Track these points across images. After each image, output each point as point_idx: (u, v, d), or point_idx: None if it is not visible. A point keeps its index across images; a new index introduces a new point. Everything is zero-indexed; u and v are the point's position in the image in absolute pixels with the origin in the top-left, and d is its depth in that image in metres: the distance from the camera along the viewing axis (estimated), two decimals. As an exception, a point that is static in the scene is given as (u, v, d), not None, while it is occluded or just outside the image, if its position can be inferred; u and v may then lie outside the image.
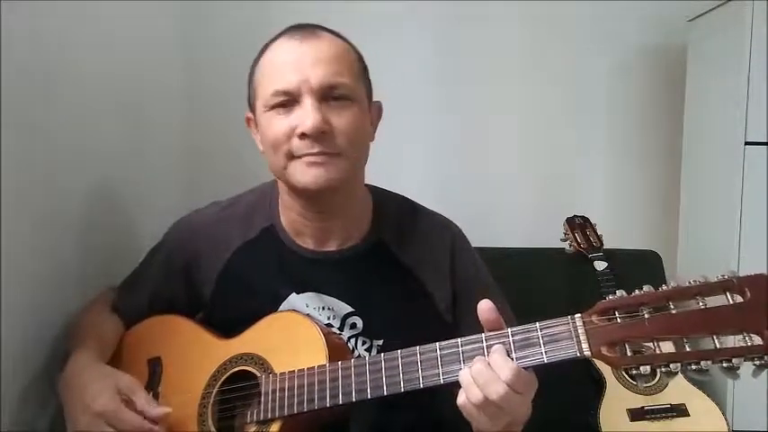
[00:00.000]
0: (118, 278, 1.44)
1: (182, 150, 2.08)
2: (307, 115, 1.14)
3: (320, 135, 1.15)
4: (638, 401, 1.83)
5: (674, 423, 1.80)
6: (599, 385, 1.86)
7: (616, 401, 1.83)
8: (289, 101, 1.16)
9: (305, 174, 1.17)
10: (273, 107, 1.17)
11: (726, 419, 1.81)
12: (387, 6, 2.24)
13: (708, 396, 1.85)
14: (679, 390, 1.85)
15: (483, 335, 1.02)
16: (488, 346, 1.00)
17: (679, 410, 1.82)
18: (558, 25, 2.33)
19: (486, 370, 0.97)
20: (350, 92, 1.19)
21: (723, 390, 1.93)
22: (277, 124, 1.17)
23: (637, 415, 1.81)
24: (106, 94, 1.55)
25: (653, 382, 1.86)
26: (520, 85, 2.35)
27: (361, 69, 1.24)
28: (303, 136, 1.14)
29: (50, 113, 1.32)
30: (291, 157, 1.17)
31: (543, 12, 2.31)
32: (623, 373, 1.87)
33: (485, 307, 1.02)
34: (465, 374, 0.99)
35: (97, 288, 1.44)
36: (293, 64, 1.15)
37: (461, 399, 0.99)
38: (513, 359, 0.98)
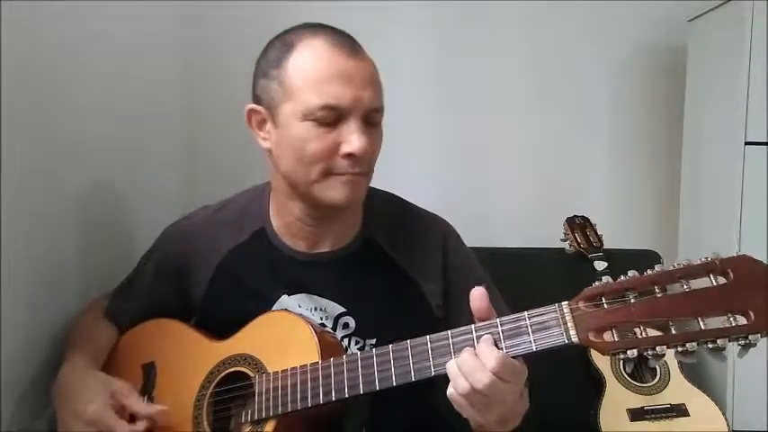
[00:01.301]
0: (117, 278, 1.44)
1: (181, 150, 2.09)
2: (356, 137, 1.13)
3: (363, 156, 1.15)
4: (638, 401, 1.84)
5: (674, 423, 1.80)
6: (599, 385, 1.86)
7: (616, 401, 1.83)
8: (335, 116, 1.14)
9: (339, 191, 1.17)
10: (316, 119, 1.14)
11: (726, 419, 1.81)
12: (387, 6, 2.24)
13: (708, 396, 1.85)
14: (679, 390, 1.85)
15: (473, 326, 1.02)
16: (478, 337, 1.00)
17: (679, 410, 1.82)
18: (558, 25, 2.33)
19: (471, 359, 0.97)
20: (383, 113, 1.20)
21: (723, 390, 1.92)
22: (319, 138, 1.14)
23: (637, 415, 1.81)
24: (105, 94, 1.55)
25: (653, 382, 1.86)
26: (520, 85, 2.34)
27: None
28: (349, 156, 1.14)
29: (49, 113, 1.33)
30: (328, 173, 1.16)
31: (543, 12, 2.31)
32: (623, 372, 1.87)
33: (476, 294, 1.01)
34: (452, 365, 0.99)
35: (96, 288, 1.45)
36: (345, 80, 1.13)
37: (450, 390, 0.99)
38: (502, 348, 0.97)
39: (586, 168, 2.41)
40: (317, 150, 1.14)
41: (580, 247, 2.07)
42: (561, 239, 2.14)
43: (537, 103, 2.36)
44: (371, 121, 1.17)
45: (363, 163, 1.17)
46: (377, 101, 1.17)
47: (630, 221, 2.41)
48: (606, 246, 2.06)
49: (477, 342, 0.99)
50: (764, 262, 0.88)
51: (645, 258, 2.11)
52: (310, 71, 1.14)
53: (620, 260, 2.03)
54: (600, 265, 2.00)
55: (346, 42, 1.16)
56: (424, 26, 2.31)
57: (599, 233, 2.10)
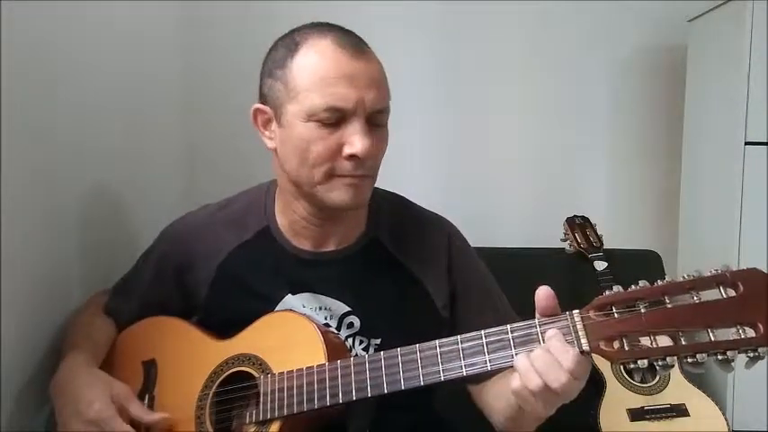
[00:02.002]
0: (116, 279, 1.44)
1: (181, 150, 2.09)
2: (359, 138, 1.12)
3: (366, 158, 1.14)
4: (638, 401, 1.84)
5: (674, 423, 1.80)
6: (599, 385, 1.86)
7: (616, 401, 1.83)
8: (339, 118, 1.13)
9: (343, 193, 1.16)
10: (319, 120, 1.13)
11: (726, 419, 1.81)
12: (387, 6, 2.25)
13: (708, 396, 1.85)
14: (679, 390, 1.85)
15: (482, 332, 1.02)
16: (488, 343, 1.00)
17: (679, 410, 1.82)
18: (558, 25, 2.33)
19: (546, 356, 0.94)
20: (388, 114, 1.19)
21: (723, 390, 1.93)
22: (322, 140, 1.13)
23: (637, 415, 1.81)
24: (106, 94, 1.55)
25: (653, 383, 1.86)
26: (520, 85, 2.36)
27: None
28: (352, 157, 1.13)
29: (51, 114, 1.32)
30: (331, 175, 1.16)
31: (543, 12, 2.32)
32: (623, 372, 1.87)
33: (542, 294, 0.99)
34: (522, 361, 0.96)
35: (96, 288, 1.44)
36: (349, 81, 1.11)
37: (516, 384, 0.96)
38: (572, 344, 0.95)
39: (586, 168, 2.41)
40: (321, 151, 1.14)
41: (580, 247, 2.07)
42: (561, 239, 2.15)
43: (537, 103, 2.37)
44: (376, 122, 1.16)
45: (367, 165, 1.16)
46: (381, 102, 1.15)
47: (630, 221, 2.42)
48: (606, 246, 2.07)
49: (544, 337, 0.97)
50: (765, 262, 0.88)
51: (645, 258, 2.13)
52: (314, 72, 1.12)
53: (620, 260, 2.04)
54: (600, 265, 2.01)
55: (352, 42, 1.15)
56: (424, 26, 2.31)
57: (599, 233, 2.11)
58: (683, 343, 0.87)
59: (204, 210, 1.39)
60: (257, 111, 1.22)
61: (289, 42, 1.17)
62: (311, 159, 1.15)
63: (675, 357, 0.87)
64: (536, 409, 0.98)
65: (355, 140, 1.12)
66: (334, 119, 1.12)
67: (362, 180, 1.17)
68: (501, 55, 2.34)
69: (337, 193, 1.17)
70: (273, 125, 1.20)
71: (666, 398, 1.84)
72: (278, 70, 1.16)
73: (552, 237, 2.17)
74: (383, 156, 1.22)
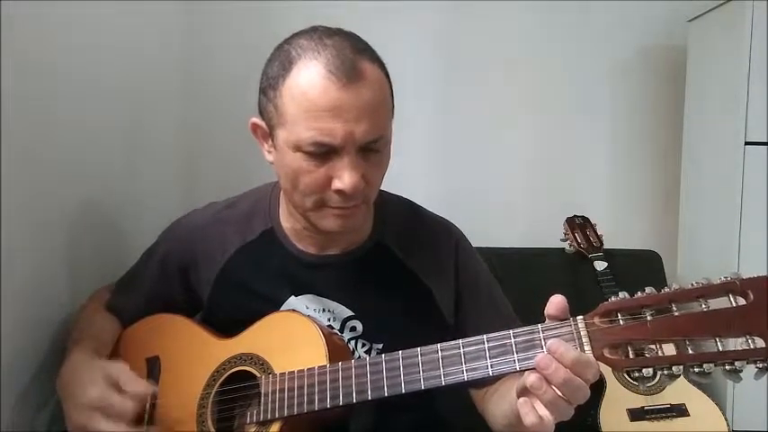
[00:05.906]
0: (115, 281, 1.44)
1: (179, 158, 2.08)
2: (347, 174, 1.08)
3: (355, 192, 1.11)
4: (638, 401, 1.83)
5: (674, 423, 1.80)
6: (599, 385, 1.86)
7: (616, 401, 1.83)
8: (327, 150, 1.08)
9: (332, 222, 1.15)
10: (307, 152, 1.08)
11: (726, 419, 1.81)
12: (387, 6, 2.24)
13: (708, 396, 1.85)
14: (679, 390, 1.85)
15: (484, 336, 1.00)
16: (490, 348, 0.99)
17: (679, 410, 1.82)
18: (558, 25, 2.33)
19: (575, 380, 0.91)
20: (386, 138, 1.13)
21: (723, 390, 1.93)
22: (311, 172, 1.10)
23: (637, 415, 1.81)
24: (104, 101, 1.54)
25: (653, 383, 1.86)
26: (520, 85, 2.36)
27: (391, 98, 1.16)
28: (341, 192, 1.10)
29: (49, 119, 1.32)
30: (321, 205, 1.14)
31: (543, 12, 2.32)
32: (624, 373, 1.87)
33: (555, 302, 0.97)
34: (537, 381, 0.93)
35: (95, 289, 1.44)
36: (337, 114, 1.05)
37: (532, 420, 0.95)
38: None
39: (586, 168, 2.41)
40: (309, 183, 1.11)
41: (580, 247, 2.08)
42: (561, 239, 2.15)
43: (537, 103, 2.37)
44: (371, 149, 1.10)
45: (358, 196, 1.12)
46: (374, 133, 1.08)
47: (630, 221, 2.42)
48: (606, 246, 2.08)
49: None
50: (765, 263, 0.87)
51: (645, 258, 2.14)
52: (302, 102, 1.06)
53: (621, 260, 2.05)
54: (600, 265, 2.01)
55: (346, 65, 1.06)
56: (425, 26, 2.31)
57: (599, 233, 2.11)
58: (690, 352, 0.86)
59: (210, 208, 1.38)
60: (255, 125, 1.19)
61: (284, 58, 1.11)
62: (301, 188, 1.13)
63: (681, 367, 0.86)
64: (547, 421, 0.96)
65: (343, 176, 1.08)
66: (322, 152, 1.07)
67: (354, 209, 1.15)
68: (501, 55, 2.34)
69: (327, 221, 1.16)
70: (271, 141, 1.18)
71: (666, 398, 1.84)
72: (270, 91, 1.11)
73: (552, 237, 2.17)
74: (383, 176, 1.18)
